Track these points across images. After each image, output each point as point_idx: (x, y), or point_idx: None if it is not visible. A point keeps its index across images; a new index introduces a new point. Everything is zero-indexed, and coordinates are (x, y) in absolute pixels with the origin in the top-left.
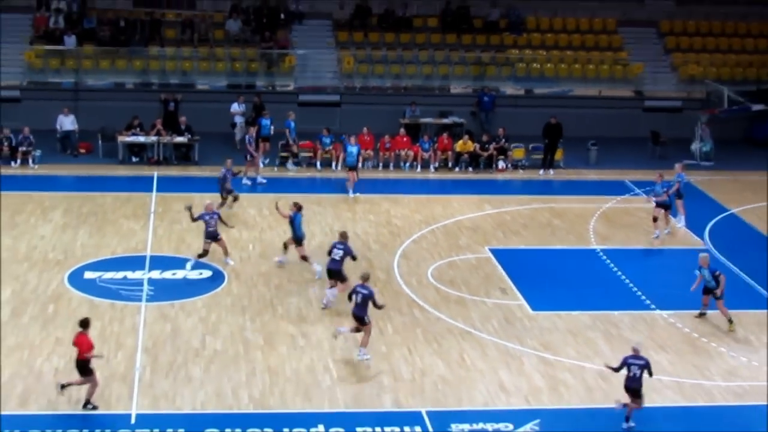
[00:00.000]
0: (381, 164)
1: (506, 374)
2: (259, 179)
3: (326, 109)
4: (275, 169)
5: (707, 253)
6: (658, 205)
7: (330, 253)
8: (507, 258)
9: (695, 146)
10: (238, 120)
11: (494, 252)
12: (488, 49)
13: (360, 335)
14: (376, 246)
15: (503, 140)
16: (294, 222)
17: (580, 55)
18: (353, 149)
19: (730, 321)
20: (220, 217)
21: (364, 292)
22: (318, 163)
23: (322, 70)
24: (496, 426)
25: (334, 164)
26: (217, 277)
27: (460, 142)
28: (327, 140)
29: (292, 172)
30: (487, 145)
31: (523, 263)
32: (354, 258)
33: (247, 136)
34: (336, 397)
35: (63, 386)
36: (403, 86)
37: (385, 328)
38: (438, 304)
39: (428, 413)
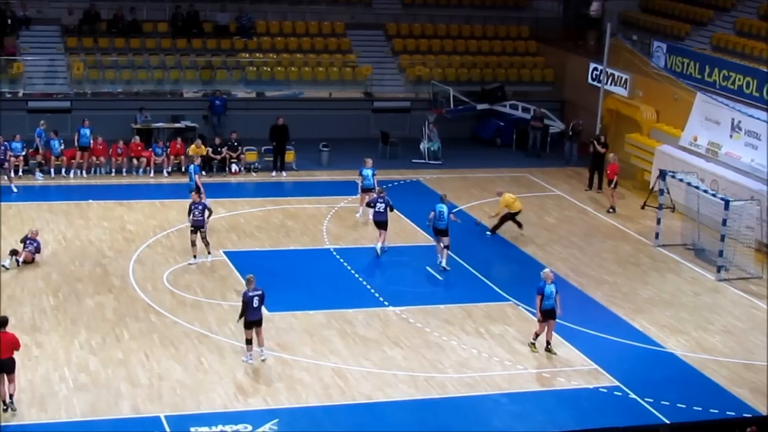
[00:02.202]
0: (114, 170)
1: (244, 376)
2: (12, 188)
3: (57, 115)
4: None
5: (549, 270)
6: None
7: (374, 206)
8: (242, 260)
9: (424, 145)
10: None
11: (229, 255)
12: (219, 53)
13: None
14: (111, 252)
15: (235, 144)
16: None
17: (310, 58)
18: (368, 172)
19: (532, 344)
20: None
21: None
22: (51, 170)
23: (52, 76)
24: (235, 427)
25: (64, 170)
26: None
27: (193, 146)
28: (57, 145)
29: (40, 180)
30: (219, 149)
31: (259, 265)
32: (392, 209)
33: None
34: (73, 406)
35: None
36: (134, 91)
37: (121, 334)
38: (174, 308)
39: (167, 418)
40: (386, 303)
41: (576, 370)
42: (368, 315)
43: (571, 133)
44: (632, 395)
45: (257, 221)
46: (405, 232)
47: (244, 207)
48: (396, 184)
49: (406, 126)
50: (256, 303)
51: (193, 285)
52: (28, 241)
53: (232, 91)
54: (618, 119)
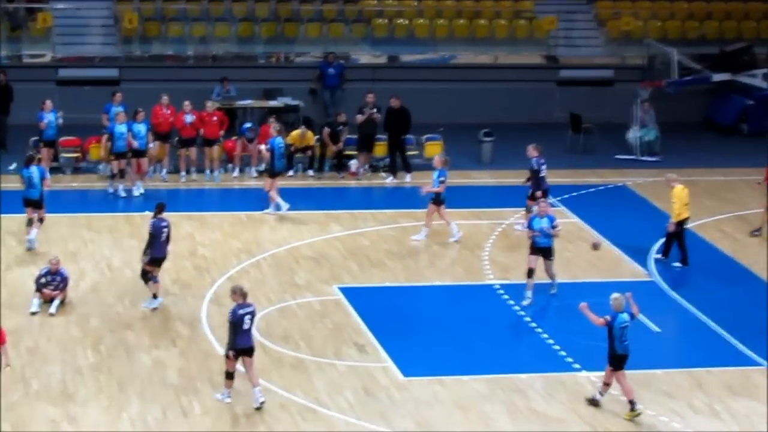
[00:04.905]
0: (183, 171)
1: None
2: None
3: (100, 89)
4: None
5: (621, 294)
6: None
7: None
8: (365, 299)
9: (633, 135)
10: None
11: (346, 292)
12: (333, 1)
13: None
14: (176, 287)
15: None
16: None
17: (466, 6)
18: (435, 174)
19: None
20: None
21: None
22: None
23: (93, 33)
24: None
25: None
26: None
27: (295, 133)
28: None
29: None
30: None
31: (388, 308)
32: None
33: None
34: None
35: None
36: (211, 55)
37: (189, 406)
38: (267, 369)
39: None
40: (576, 365)
41: None
42: (549, 382)
43: None
44: None
45: (387, 244)
46: (604, 261)
47: (368, 223)
48: (592, 190)
49: (607, 106)
50: (247, 324)
51: (293, 336)
52: (48, 277)
53: (353, 54)
54: None
